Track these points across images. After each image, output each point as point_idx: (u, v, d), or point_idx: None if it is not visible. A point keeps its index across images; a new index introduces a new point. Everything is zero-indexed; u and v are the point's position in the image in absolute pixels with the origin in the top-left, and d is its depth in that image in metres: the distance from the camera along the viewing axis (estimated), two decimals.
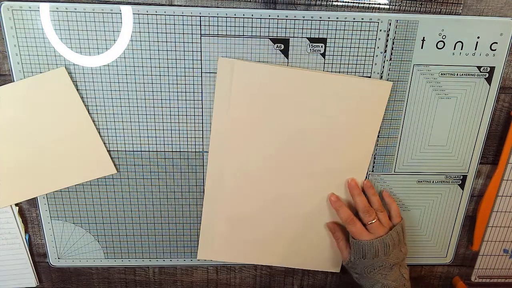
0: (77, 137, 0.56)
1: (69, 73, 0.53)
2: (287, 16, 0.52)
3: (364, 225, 0.57)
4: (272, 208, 0.61)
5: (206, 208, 0.61)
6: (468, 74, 0.56)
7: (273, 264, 0.66)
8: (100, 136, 0.57)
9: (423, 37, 0.54)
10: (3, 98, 0.53)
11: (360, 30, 0.53)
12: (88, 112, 0.56)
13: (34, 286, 0.65)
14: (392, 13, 0.53)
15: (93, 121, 0.56)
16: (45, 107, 0.54)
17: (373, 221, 0.57)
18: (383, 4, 0.53)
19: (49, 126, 0.55)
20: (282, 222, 0.62)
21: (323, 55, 0.54)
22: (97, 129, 0.56)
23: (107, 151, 0.58)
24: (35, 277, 0.65)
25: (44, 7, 0.50)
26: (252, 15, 0.52)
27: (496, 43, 0.54)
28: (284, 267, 0.68)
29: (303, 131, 0.57)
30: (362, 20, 0.53)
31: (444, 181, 0.63)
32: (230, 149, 0.57)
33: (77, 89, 0.54)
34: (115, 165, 0.59)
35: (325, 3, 0.52)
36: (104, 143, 0.57)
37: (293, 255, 0.65)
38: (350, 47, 0.54)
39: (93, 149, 0.57)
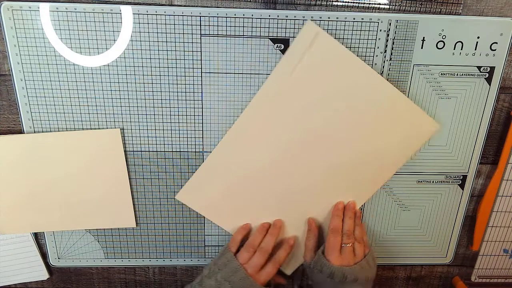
0: (109, 188, 0.59)
1: (69, 73, 0.54)
2: (287, 16, 0.52)
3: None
4: (274, 190, 0.60)
5: (209, 162, 0.59)
6: (468, 74, 0.56)
7: None
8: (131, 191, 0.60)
9: (423, 37, 0.54)
10: (56, 142, 0.56)
11: (360, 30, 0.53)
12: (88, 111, 0.56)
13: (45, 278, 0.65)
14: (392, 13, 0.53)
15: (93, 121, 0.56)
16: (91, 157, 0.57)
17: (348, 245, 0.56)
18: (383, 4, 0.53)
19: (87, 173, 0.58)
20: (277, 207, 0.61)
21: None
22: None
23: (133, 205, 0.61)
24: (46, 270, 0.65)
25: (44, 7, 0.50)
26: (252, 15, 0.52)
27: (496, 43, 0.54)
28: None
29: (335, 127, 0.56)
30: (362, 20, 0.53)
31: (444, 181, 0.63)
32: (263, 113, 0.56)
33: (77, 89, 0.54)
34: (136, 218, 0.62)
35: (325, 3, 0.52)
36: (133, 198, 0.61)
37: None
38: (350, 47, 0.54)
39: (120, 202, 0.60)
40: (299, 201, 0.61)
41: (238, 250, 0.59)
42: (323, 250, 0.58)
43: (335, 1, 0.52)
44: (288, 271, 0.66)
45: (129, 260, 0.65)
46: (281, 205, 0.61)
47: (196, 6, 0.52)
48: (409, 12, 0.53)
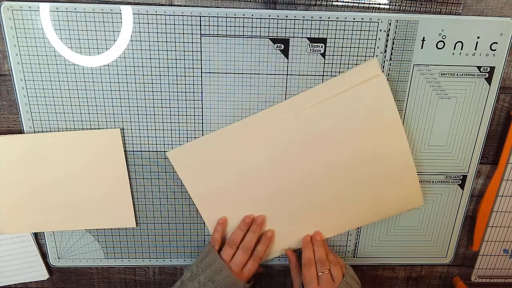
0: (110, 188, 0.59)
1: (69, 73, 0.54)
2: (287, 16, 0.52)
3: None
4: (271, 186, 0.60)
5: (214, 136, 0.58)
6: (468, 74, 0.56)
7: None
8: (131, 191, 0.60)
9: (423, 37, 0.54)
10: (56, 142, 0.56)
11: (360, 30, 0.53)
12: (88, 111, 0.56)
13: (45, 278, 0.65)
14: (392, 13, 0.53)
15: (93, 121, 0.56)
16: (91, 157, 0.57)
17: (325, 272, 0.56)
18: (383, 4, 0.53)
19: (87, 173, 0.58)
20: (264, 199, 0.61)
21: (323, 55, 0.54)
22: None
23: (133, 205, 0.61)
24: (46, 270, 0.65)
25: (44, 7, 0.50)
26: (252, 15, 0.52)
27: (496, 43, 0.54)
28: (284, 267, 0.68)
29: (335, 158, 0.58)
30: (362, 20, 0.53)
31: (444, 181, 0.63)
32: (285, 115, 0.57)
33: (77, 89, 0.54)
34: (136, 218, 0.62)
35: (325, 3, 0.52)
36: (133, 198, 0.61)
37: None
38: (350, 47, 0.54)
39: (120, 202, 0.60)
40: (289, 207, 0.61)
41: (220, 248, 0.60)
42: (302, 283, 0.58)
43: (335, 1, 0.52)
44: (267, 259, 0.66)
45: (129, 260, 0.65)
46: (267, 205, 0.61)
47: (196, 6, 0.52)
48: (409, 12, 0.53)
